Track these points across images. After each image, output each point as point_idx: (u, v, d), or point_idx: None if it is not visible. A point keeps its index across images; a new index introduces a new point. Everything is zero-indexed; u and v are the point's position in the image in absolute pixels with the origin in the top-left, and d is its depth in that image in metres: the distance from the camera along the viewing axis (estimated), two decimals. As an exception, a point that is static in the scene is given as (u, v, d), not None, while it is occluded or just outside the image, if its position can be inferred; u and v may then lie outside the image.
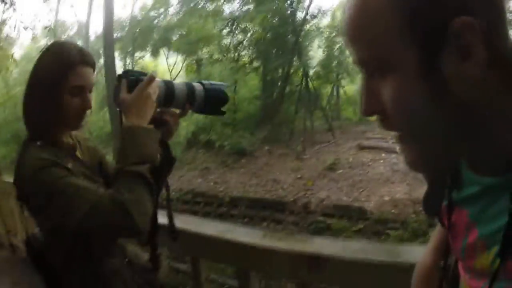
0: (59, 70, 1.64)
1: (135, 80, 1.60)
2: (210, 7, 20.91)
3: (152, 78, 1.61)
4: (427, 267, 1.26)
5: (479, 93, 0.75)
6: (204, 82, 1.78)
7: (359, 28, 0.79)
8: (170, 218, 1.91)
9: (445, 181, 1.02)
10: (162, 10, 25.03)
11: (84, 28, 33.58)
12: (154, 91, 1.61)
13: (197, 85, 1.74)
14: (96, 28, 34.32)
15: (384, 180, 12.52)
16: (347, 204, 11.71)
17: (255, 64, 18.57)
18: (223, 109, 1.80)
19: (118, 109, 1.66)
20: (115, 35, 22.23)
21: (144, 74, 1.64)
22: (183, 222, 2.47)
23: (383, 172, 12.96)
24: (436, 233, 1.27)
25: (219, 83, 1.82)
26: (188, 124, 17.77)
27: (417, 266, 1.30)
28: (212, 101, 1.75)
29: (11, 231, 5.38)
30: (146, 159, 1.55)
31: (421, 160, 0.84)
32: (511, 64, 0.76)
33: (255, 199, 12.52)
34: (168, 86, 1.69)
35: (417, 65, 0.75)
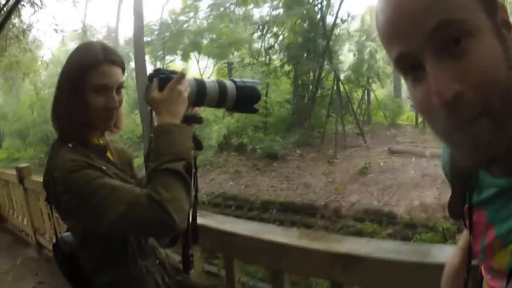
0: (82, 69, 1.65)
1: (166, 78, 1.60)
2: (240, 11, 21.16)
3: (182, 76, 1.61)
4: (455, 268, 1.29)
5: None
6: (236, 79, 1.75)
7: None
8: (194, 219, 1.87)
9: (466, 184, 1.06)
10: (191, 14, 25.19)
11: (113, 32, 34.20)
12: (185, 88, 1.61)
13: (229, 83, 1.72)
14: (125, 32, 34.61)
15: (414, 185, 12.52)
16: (377, 208, 11.73)
17: (286, 68, 18.64)
18: (255, 106, 1.78)
19: (149, 108, 1.65)
20: (145, 39, 22.43)
21: (175, 73, 1.63)
22: (217, 221, 2.51)
23: (413, 177, 12.95)
24: (463, 235, 1.28)
25: (251, 80, 1.79)
26: (220, 127, 17.82)
27: (446, 266, 1.33)
28: (244, 99, 1.73)
29: (38, 230, 5.63)
30: (181, 156, 1.55)
31: (495, 140, 0.79)
32: None
33: (286, 203, 12.57)
34: (200, 84, 1.68)
35: (492, 26, 0.80)
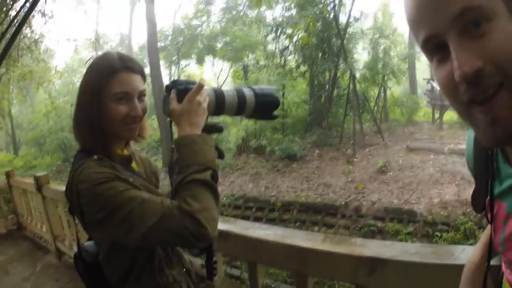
0: (101, 78, 1.65)
1: (184, 89, 1.61)
2: (252, 14, 21.31)
3: (201, 86, 1.60)
4: (475, 263, 1.34)
5: None
6: (254, 87, 1.75)
7: None
8: None
9: (488, 173, 1.12)
10: (204, 18, 25.48)
11: (126, 39, 34.47)
12: (204, 99, 1.61)
13: (247, 91, 1.72)
14: (138, 38, 34.83)
15: (433, 182, 12.60)
16: (397, 207, 11.81)
17: (302, 68, 18.72)
18: (274, 113, 1.79)
19: (169, 120, 1.65)
20: (158, 44, 22.50)
21: (193, 83, 1.63)
22: (241, 227, 2.54)
23: (432, 174, 13.03)
24: (486, 231, 1.32)
25: (269, 87, 1.78)
26: (238, 130, 18.00)
27: (466, 262, 1.38)
28: (263, 106, 1.73)
29: (58, 237, 5.84)
30: (207, 165, 1.56)
31: None
32: None
33: (306, 203, 12.68)
34: (218, 93, 1.69)
35: (508, 13, 0.87)
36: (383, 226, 11.51)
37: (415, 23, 0.93)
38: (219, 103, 1.69)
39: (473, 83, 0.86)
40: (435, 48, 0.92)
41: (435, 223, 11.04)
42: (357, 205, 12.27)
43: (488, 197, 1.12)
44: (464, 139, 13.05)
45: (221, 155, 1.70)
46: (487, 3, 0.85)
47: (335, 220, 12.11)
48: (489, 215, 1.13)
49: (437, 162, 13.77)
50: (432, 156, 14.35)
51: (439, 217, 11.12)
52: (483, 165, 1.15)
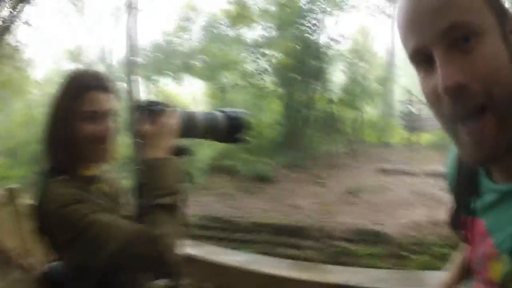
0: (71, 95, 1.64)
1: (155, 110, 1.60)
2: (232, 33, 21.21)
3: (172, 108, 1.61)
4: (448, 284, 1.37)
5: None
6: (225, 109, 1.76)
7: None
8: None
9: (469, 189, 1.12)
10: (184, 36, 25.53)
11: (106, 52, 34.34)
12: (175, 121, 1.60)
13: (218, 114, 1.73)
14: (118, 52, 34.54)
15: (404, 204, 12.55)
16: (367, 228, 11.70)
17: (279, 89, 18.81)
18: (245, 137, 1.78)
19: (137, 140, 1.63)
20: (137, 60, 22.40)
21: (165, 104, 1.63)
22: (208, 252, 2.58)
23: (404, 195, 13.01)
24: (459, 251, 1.37)
25: (240, 110, 1.79)
26: (209, 149, 17.75)
27: (439, 284, 1.40)
28: (234, 130, 1.73)
29: (28, 252, 5.75)
30: (172, 190, 1.54)
31: (498, 137, 0.89)
32: None
33: (274, 225, 12.51)
34: (189, 116, 1.68)
35: (501, 31, 0.91)
36: (352, 248, 11.35)
37: (405, 34, 0.96)
38: (190, 126, 1.68)
39: (456, 98, 0.89)
40: (423, 60, 0.95)
41: (406, 244, 10.97)
42: (326, 226, 12.06)
43: (467, 215, 1.14)
44: (439, 162, 13.01)
45: (189, 178, 1.72)
46: (477, 19, 0.89)
47: (303, 242, 11.92)
48: (466, 233, 1.15)
49: (409, 184, 13.77)
50: (404, 178, 14.37)
51: (410, 239, 11.07)
52: (465, 181, 1.16)
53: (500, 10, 0.94)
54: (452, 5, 0.89)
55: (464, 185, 1.16)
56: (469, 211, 1.11)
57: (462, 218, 1.17)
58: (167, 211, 1.51)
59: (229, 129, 1.73)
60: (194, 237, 12.37)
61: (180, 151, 1.68)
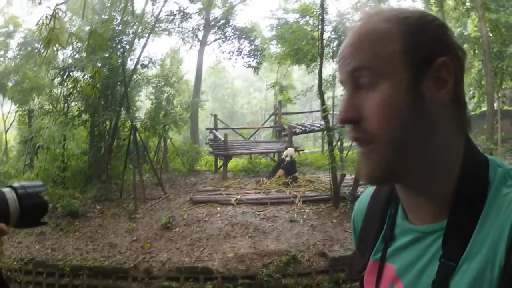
0: None
1: None
2: (45, 53, 19.83)
3: None
4: None
5: (441, 119, 1.07)
6: (16, 186, 1.42)
7: (369, 41, 1.07)
8: None
9: (377, 232, 1.24)
10: (1, 52, 24.32)
11: None
12: None
13: (8, 192, 1.39)
14: None
15: (225, 236, 12.70)
16: (190, 265, 11.63)
17: (84, 116, 18.06)
18: (43, 219, 1.47)
19: None
20: None
21: None
22: None
23: (222, 227, 13.13)
24: None
25: (34, 184, 1.47)
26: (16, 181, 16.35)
27: None
28: (30, 212, 1.42)
29: None
30: None
31: (383, 171, 1.07)
32: (463, 103, 1.12)
33: (94, 268, 11.95)
34: None
35: (408, 80, 1.04)
36: (179, 286, 11.27)
37: (337, 69, 1.16)
38: None
39: (350, 128, 1.10)
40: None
41: (235, 277, 11.13)
42: (147, 266, 11.79)
43: (374, 258, 1.21)
44: (250, 189, 13.61)
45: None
46: (379, 66, 1.05)
47: (127, 284, 11.55)
48: (365, 277, 1.22)
49: (225, 215, 13.93)
50: (219, 208, 14.51)
51: (238, 271, 11.24)
52: (378, 223, 1.25)
53: (418, 59, 1.06)
54: (359, 52, 1.07)
55: (377, 227, 1.26)
56: (383, 254, 1.19)
57: (364, 263, 1.24)
58: None
59: (23, 212, 1.39)
60: (22, 284, 11.48)
61: None
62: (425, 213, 1.10)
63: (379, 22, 1.08)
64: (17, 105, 20.77)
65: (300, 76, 42.10)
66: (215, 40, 29.53)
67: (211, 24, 28.41)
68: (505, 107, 22.34)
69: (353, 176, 14.19)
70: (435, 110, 1.05)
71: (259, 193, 15.25)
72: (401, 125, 1.04)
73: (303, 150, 25.18)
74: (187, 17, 25.90)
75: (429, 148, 1.06)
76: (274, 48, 25.58)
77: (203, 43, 29.65)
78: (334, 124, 15.34)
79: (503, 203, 0.99)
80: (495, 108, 16.96)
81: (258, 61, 26.99)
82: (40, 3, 10.06)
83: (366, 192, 1.38)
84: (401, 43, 1.05)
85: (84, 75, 16.57)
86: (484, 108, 18.78)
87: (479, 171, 1.06)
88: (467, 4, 18.49)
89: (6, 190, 1.39)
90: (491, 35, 14.90)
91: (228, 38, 28.07)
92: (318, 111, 24.44)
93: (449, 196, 1.05)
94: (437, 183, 1.08)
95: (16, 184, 1.42)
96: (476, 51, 18.22)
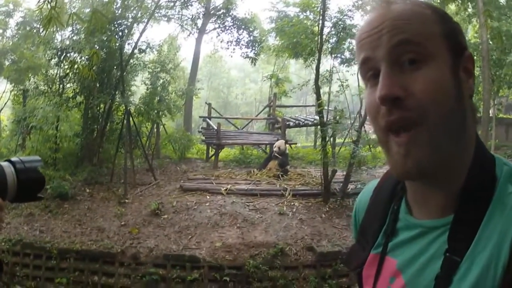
0: None
1: None
2: (43, 33, 19.79)
3: None
4: None
5: (468, 109, 1.09)
6: (14, 160, 1.45)
7: (416, 18, 1.03)
8: None
9: (380, 225, 1.22)
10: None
11: None
12: None
13: (6, 166, 1.42)
14: None
15: (213, 225, 12.78)
16: (177, 253, 11.73)
17: (79, 98, 17.94)
18: (39, 194, 1.51)
19: None
20: None
21: None
22: None
23: (211, 216, 13.21)
24: None
25: (32, 159, 1.49)
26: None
27: None
28: (27, 186, 1.45)
29: None
30: None
31: (432, 156, 1.02)
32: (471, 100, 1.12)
33: (82, 251, 12.00)
34: None
35: (451, 63, 1.04)
36: (165, 273, 11.38)
37: (358, 46, 1.07)
38: None
39: (390, 109, 1.00)
40: (372, 75, 1.06)
41: (221, 267, 11.25)
42: (134, 252, 11.89)
43: (374, 252, 1.20)
44: (241, 180, 13.70)
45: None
46: (426, 43, 1.01)
47: (114, 269, 11.64)
48: (363, 270, 1.21)
49: (214, 204, 14.02)
50: (208, 197, 14.59)
51: (225, 261, 11.35)
52: (380, 217, 1.23)
53: (455, 46, 1.07)
54: (408, 25, 1.02)
55: (379, 221, 1.24)
56: (384, 248, 1.18)
57: (364, 256, 1.23)
58: None
59: (21, 186, 1.43)
60: (9, 265, 11.53)
61: None
62: (432, 207, 1.10)
63: (417, 5, 1.07)
64: (13, 84, 20.64)
65: (296, 70, 42.04)
66: (214, 29, 29.63)
67: (211, 12, 28.45)
68: (500, 115, 22.60)
69: (344, 173, 14.24)
70: (466, 99, 1.07)
71: (249, 184, 15.31)
72: (451, 107, 1.02)
73: (296, 143, 25.18)
74: (188, 4, 26.10)
75: (462, 138, 1.06)
76: (273, 40, 25.57)
77: (202, 31, 29.65)
78: (328, 119, 15.47)
79: (509, 202, 1.00)
80: (491, 115, 17.06)
81: (256, 52, 27.18)
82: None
83: (369, 186, 1.38)
84: (441, 27, 1.05)
85: (81, 57, 16.50)
86: (479, 114, 18.88)
87: (488, 166, 1.07)
88: (469, 10, 18.54)
89: (4, 164, 1.42)
90: (491, 42, 14.96)
91: (227, 27, 28.20)
92: (312, 105, 24.61)
93: (457, 190, 1.06)
94: (452, 176, 1.07)
95: (14, 158, 1.45)
96: (475, 57, 18.32)
